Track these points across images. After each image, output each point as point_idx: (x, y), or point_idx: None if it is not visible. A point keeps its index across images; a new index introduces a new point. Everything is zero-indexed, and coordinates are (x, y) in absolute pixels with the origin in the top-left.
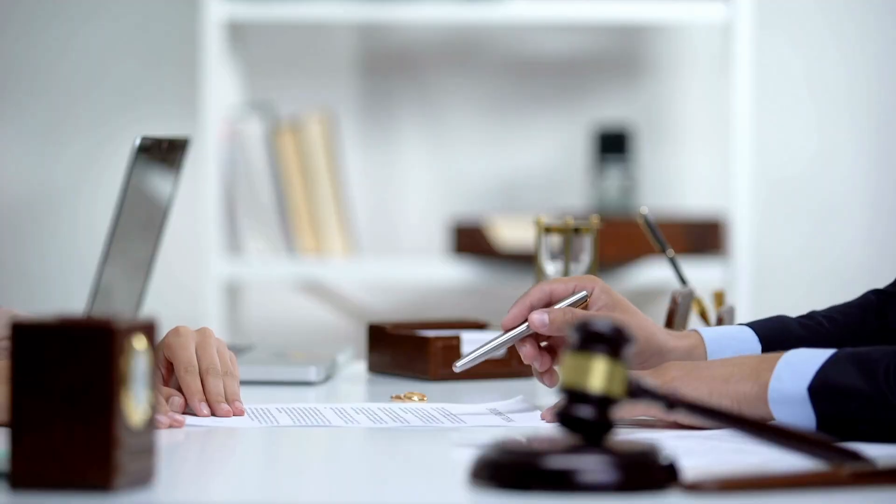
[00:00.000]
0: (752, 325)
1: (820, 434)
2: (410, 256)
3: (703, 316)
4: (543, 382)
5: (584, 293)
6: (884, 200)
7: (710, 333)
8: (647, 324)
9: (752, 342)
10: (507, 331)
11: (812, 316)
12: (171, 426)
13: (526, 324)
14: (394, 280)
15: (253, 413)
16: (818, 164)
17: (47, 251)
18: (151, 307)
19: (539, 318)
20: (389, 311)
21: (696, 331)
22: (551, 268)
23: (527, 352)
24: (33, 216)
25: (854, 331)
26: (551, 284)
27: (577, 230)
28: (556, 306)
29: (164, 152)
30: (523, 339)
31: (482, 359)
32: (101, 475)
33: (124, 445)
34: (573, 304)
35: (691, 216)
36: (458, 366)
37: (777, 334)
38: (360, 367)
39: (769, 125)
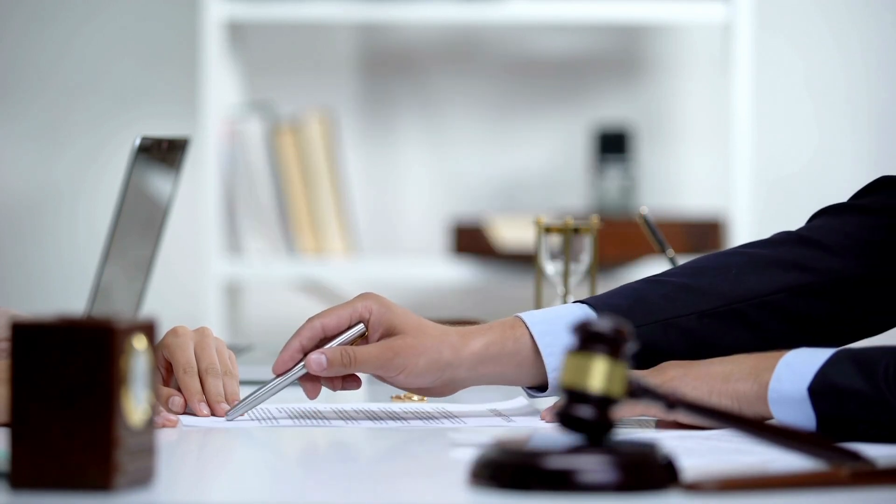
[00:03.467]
0: (589, 300)
1: (820, 434)
2: (410, 256)
3: None
4: (331, 388)
5: (360, 326)
6: None
7: (535, 317)
8: (433, 341)
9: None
10: (279, 375)
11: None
12: (164, 426)
13: (301, 364)
14: (394, 280)
15: (253, 413)
16: (818, 164)
17: (47, 251)
18: (151, 307)
19: (316, 359)
20: None
21: (518, 318)
22: (551, 268)
23: (310, 390)
24: (33, 216)
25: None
26: (322, 319)
27: (576, 230)
28: (334, 342)
29: (164, 152)
30: (304, 377)
31: (256, 405)
32: (101, 475)
33: (124, 445)
34: (352, 337)
35: (691, 216)
36: (229, 415)
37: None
38: None
39: (769, 125)
